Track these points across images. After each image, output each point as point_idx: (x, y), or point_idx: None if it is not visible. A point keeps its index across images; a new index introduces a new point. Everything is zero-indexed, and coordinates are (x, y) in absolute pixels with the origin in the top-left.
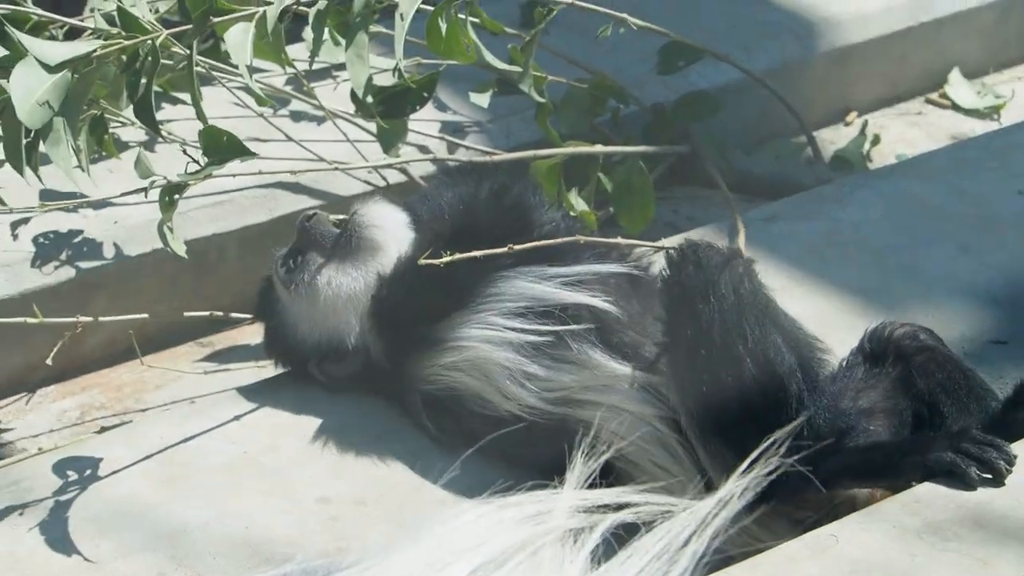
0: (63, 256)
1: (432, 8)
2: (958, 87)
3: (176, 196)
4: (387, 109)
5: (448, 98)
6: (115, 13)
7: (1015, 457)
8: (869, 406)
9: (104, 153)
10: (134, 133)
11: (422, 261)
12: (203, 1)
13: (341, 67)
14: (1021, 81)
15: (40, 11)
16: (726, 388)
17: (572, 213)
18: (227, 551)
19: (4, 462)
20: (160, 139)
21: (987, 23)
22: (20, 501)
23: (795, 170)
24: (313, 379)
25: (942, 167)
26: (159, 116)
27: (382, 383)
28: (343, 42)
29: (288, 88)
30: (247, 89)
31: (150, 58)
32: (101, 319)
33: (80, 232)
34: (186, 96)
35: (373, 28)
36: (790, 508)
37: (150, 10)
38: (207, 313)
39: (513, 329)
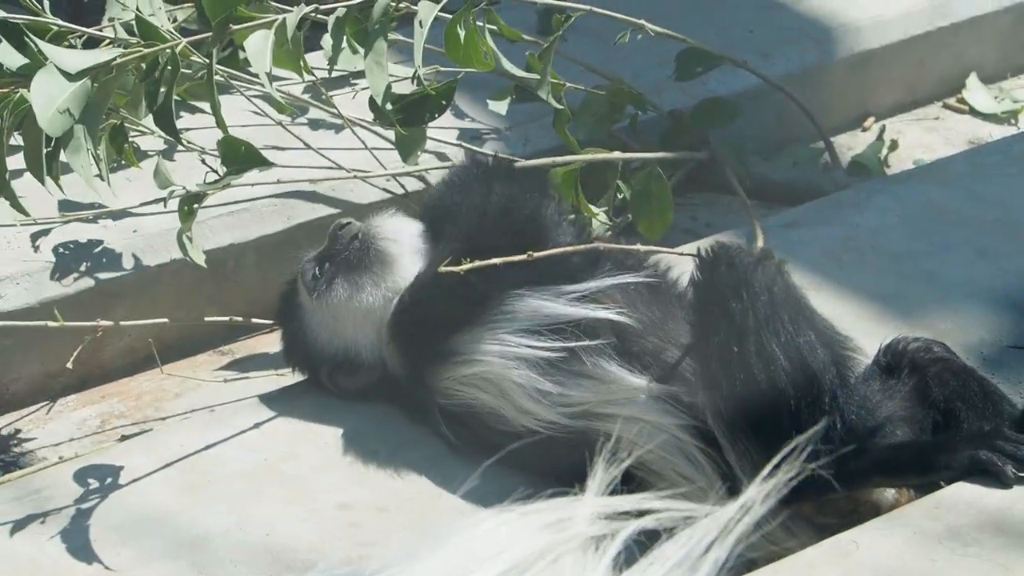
0: (83, 265)
1: (450, 15)
2: (976, 92)
3: (195, 205)
4: (406, 117)
5: (466, 105)
6: (134, 22)
7: None
8: (888, 415)
9: (124, 162)
10: (153, 142)
11: (442, 268)
12: (222, 9)
13: (359, 75)
14: None
15: (59, 21)
16: (760, 386)
17: (596, 222)
18: (248, 558)
19: (25, 471)
20: (180, 147)
21: (1004, 28)
22: (42, 509)
23: (813, 176)
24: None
25: (960, 172)
26: (178, 124)
27: (399, 395)
28: (361, 50)
29: (306, 96)
30: (266, 97)
31: (170, 67)
32: (121, 323)
33: (99, 241)
34: (205, 105)
35: (391, 36)
36: (814, 511)
37: (168, 19)
38: (227, 319)
39: (527, 346)
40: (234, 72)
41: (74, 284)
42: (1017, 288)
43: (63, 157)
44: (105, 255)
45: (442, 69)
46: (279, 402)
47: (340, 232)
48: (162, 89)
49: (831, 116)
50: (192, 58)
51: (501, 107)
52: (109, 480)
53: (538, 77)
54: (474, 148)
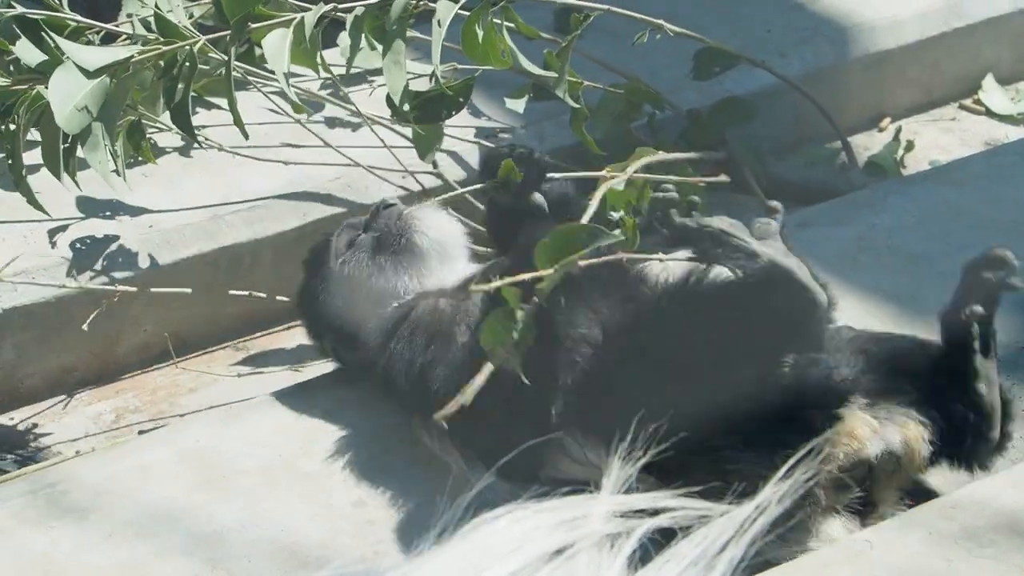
0: (99, 260)
1: (468, 13)
2: (992, 93)
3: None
4: (423, 114)
5: (481, 103)
6: (151, 19)
7: None
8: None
9: (141, 159)
10: (170, 139)
11: (473, 288)
12: (241, 8)
13: (375, 72)
14: None
15: (78, 17)
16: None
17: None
18: (263, 555)
19: (40, 465)
20: (196, 145)
21: (1021, 28)
22: (56, 504)
23: (829, 176)
24: (346, 381)
25: (976, 173)
26: (194, 121)
27: (394, 392)
28: (379, 47)
29: (323, 92)
30: (282, 94)
31: (187, 64)
32: (151, 290)
33: (116, 236)
34: (220, 101)
35: (408, 33)
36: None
37: (185, 15)
38: (247, 293)
39: None
40: (250, 68)
41: (90, 279)
42: None
43: (80, 153)
44: (121, 250)
45: (460, 67)
46: (295, 398)
47: (384, 210)
48: (180, 86)
49: (846, 116)
50: (209, 55)
51: (519, 105)
52: (124, 475)
53: (556, 75)
54: (489, 145)
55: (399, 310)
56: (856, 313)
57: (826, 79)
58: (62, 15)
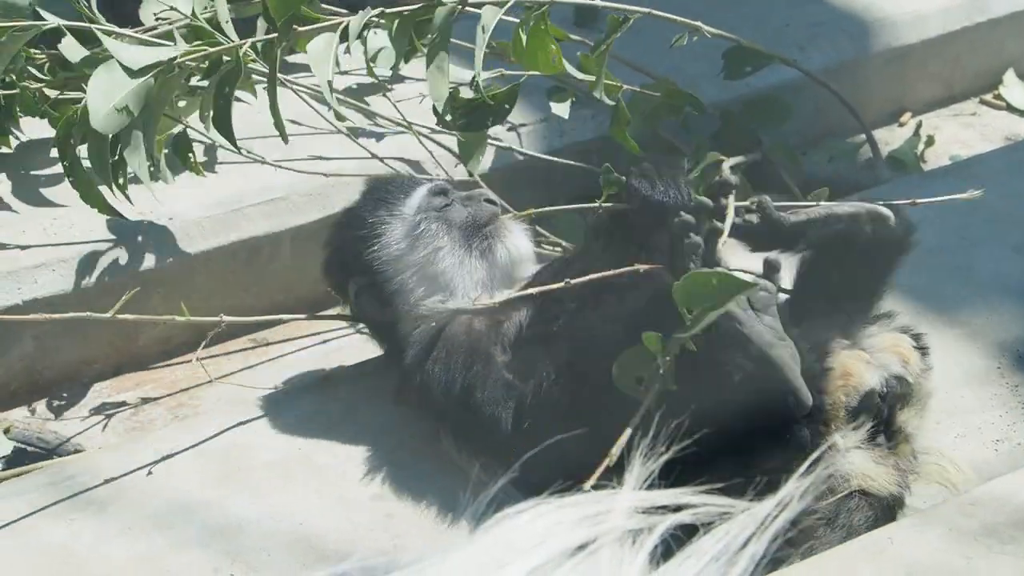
0: (118, 253)
1: (516, 20)
2: (1013, 88)
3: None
4: (468, 122)
5: None
6: (190, 19)
7: None
8: None
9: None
10: (193, 134)
11: (507, 296)
12: (287, 9)
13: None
14: None
15: (109, 25)
16: None
17: None
18: (281, 547)
19: (60, 457)
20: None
21: None
22: (76, 496)
23: (851, 170)
24: (366, 374)
25: (996, 168)
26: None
27: (430, 406)
28: (422, 50)
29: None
30: (320, 98)
31: (233, 68)
32: (227, 319)
33: (135, 228)
34: (247, 96)
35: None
36: None
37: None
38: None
39: None
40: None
41: (109, 271)
42: None
43: (125, 159)
44: (141, 242)
45: (506, 73)
46: (313, 392)
47: (483, 201)
48: (224, 91)
49: (867, 111)
50: (251, 58)
51: (564, 110)
52: (142, 467)
53: (594, 78)
54: (501, 145)
55: (435, 326)
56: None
57: (846, 74)
58: (101, 27)
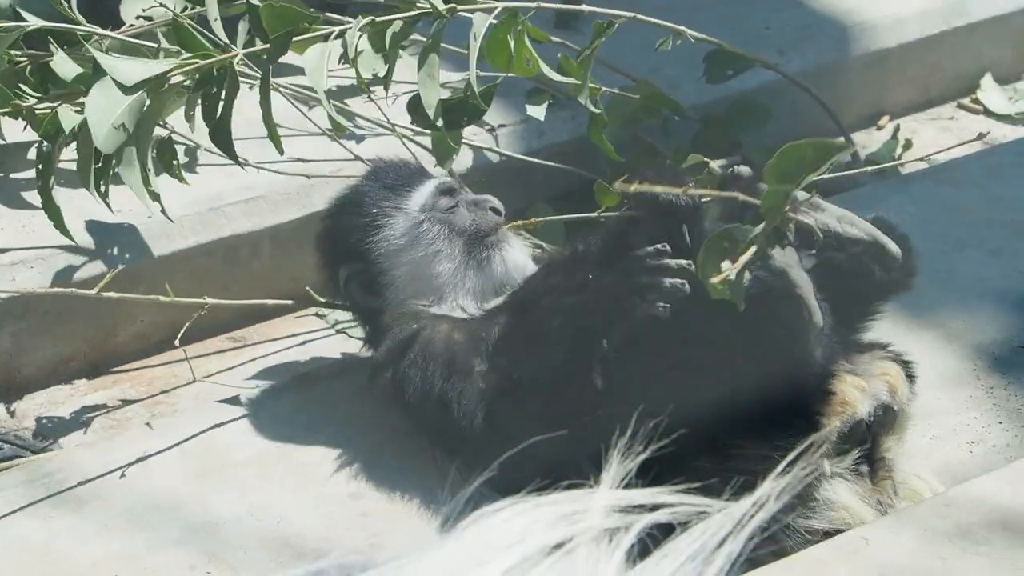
0: (97, 250)
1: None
2: (990, 92)
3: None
4: (444, 122)
5: None
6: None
7: None
8: None
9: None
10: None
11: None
12: (284, 23)
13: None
14: None
15: (88, 26)
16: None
17: None
18: (259, 545)
19: (37, 455)
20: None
21: (1020, 28)
22: (54, 494)
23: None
24: (344, 373)
25: (974, 172)
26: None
27: (406, 408)
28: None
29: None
30: (301, 98)
31: (228, 80)
32: (211, 301)
33: (114, 226)
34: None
35: (413, 36)
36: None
37: (182, 10)
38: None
39: None
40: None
41: (88, 268)
42: None
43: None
44: (120, 240)
45: (481, 74)
46: (292, 390)
47: (489, 209)
48: (220, 103)
49: (846, 114)
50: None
51: (540, 112)
52: (120, 465)
53: (577, 82)
54: (481, 146)
55: (416, 328)
56: None
57: (825, 77)
58: (83, 28)
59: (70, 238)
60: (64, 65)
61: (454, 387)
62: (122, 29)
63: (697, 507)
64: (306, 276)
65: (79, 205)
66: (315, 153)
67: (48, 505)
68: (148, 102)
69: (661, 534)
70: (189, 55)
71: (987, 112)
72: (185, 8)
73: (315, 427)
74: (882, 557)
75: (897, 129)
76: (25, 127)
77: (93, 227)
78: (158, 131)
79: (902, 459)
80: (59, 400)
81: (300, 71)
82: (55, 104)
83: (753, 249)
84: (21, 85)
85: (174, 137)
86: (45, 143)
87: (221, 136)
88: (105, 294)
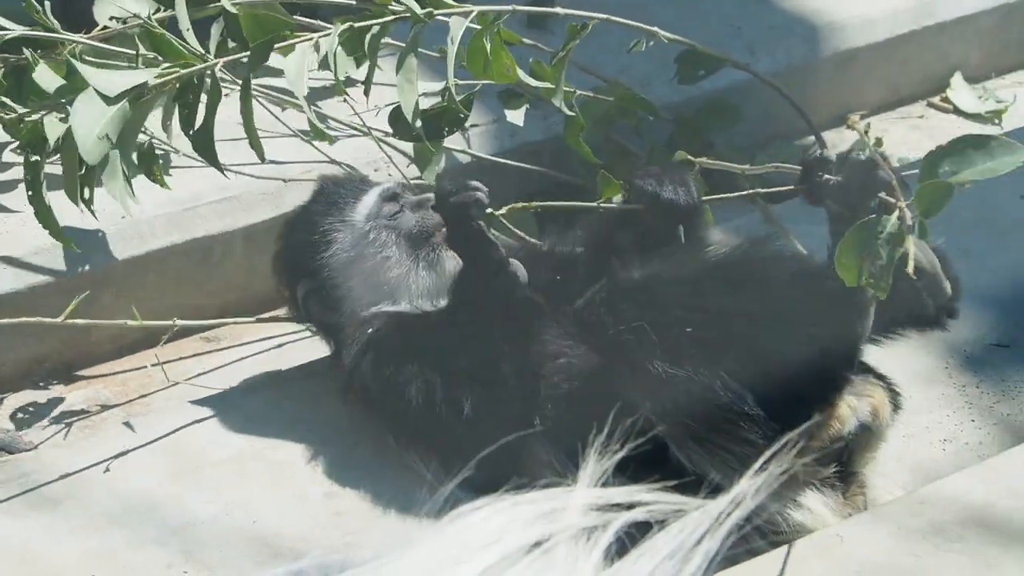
0: (71, 252)
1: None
2: (960, 91)
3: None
4: (425, 130)
5: None
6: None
7: None
8: None
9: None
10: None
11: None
12: (263, 32)
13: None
14: (1022, 86)
15: (64, 34)
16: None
17: None
18: (235, 545)
19: (13, 455)
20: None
21: (989, 27)
22: (30, 493)
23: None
24: (318, 373)
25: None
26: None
27: (370, 404)
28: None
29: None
30: (275, 101)
31: (211, 88)
32: (180, 323)
33: (87, 227)
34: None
35: (385, 40)
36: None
37: (151, 13)
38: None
39: None
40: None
41: (61, 270)
42: (1000, 286)
43: (100, 181)
44: (93, 241)
45: (460, 82)
46: (267, 389)
47: (431, 206)
48: (202, 112)
49: (816, 113)
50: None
51: (518, 116)
52: (96, 465)
53: (552, 86)
54: (453, 148)
55: (373, 331)
56: None
57: (795, 76)
58: (55, 36)
59: (66, 243)
60: (45, 76)
61: (411, 376)
62: (94, 32)
63: (675, 505)
64: None
65: (53, 206)
66: (288, 155)
67: (23, 504)
68: (130, 112)
69: (639, 532)
70: (169, 64)
71: (957, 111)
72: (157, 10)
73: (290, 426)
74: (857, 554)
75: (867, 128)
76: None
77: (67, 229)
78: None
79: (875, 476)
80: (34, 400)
81: (272, 73)
82: (39, 115)
83: (912, 240)
84: None
85: (149, 139)
86: (32, 154)
87: (204, 145)
88: (70, 321)
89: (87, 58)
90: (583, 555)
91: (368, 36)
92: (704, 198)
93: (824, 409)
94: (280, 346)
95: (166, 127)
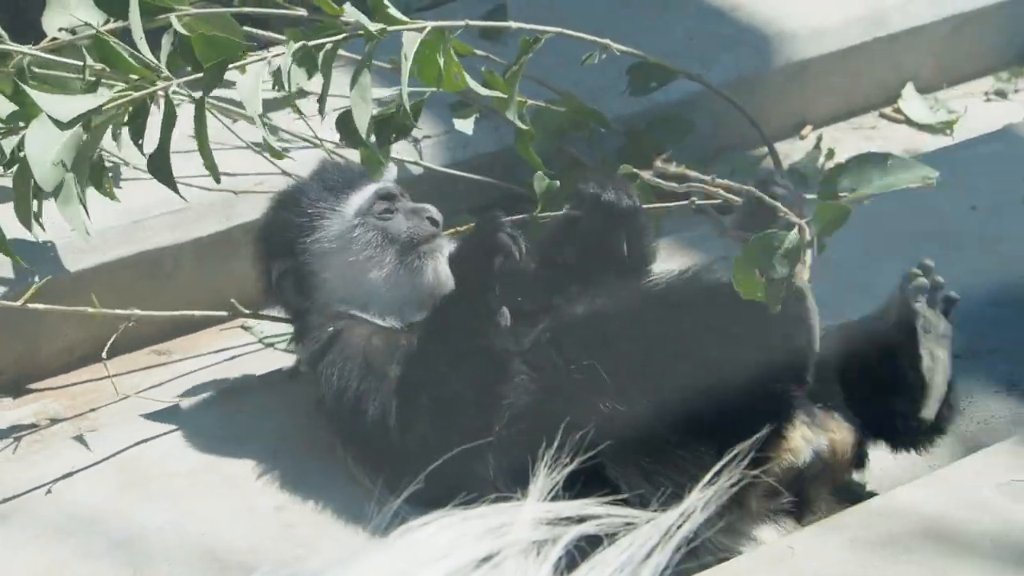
0: (17, 265)
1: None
2: (912, 102)
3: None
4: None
5: None
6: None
7: None
8: None
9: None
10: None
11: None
12: (217, 53)
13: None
14: (973, 97)
15: (11, 44)
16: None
17: None
18: (184, 558)
19: None
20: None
21: (941, 38)
22: None
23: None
24: (271, 386)
25: None
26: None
27: (325, 411)
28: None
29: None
30: (227, 113)
31: (167, 110)
32: (139, 313)
33: (35, 240)
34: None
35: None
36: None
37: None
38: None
39: None
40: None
41: (8, 282)
42: None
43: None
44: (42, 253)
45: (411, 89)
46: (219, 403)
47: (425, 217)
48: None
49: (768, 124)
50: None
51: (467, 126)
52: (46, 479)
53: (504, 96)
54: (405, 159)
55: (335, 330)
56: None
57: (747, 87)
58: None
59: (14, 258)
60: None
61: (368, 389)
62: (43, 43)
63: (624, 518)
64: (229, 288)
65: (2, 225)
66: (239, 166)
67: None
68: (84, 136)
69: (589, 546)
70: (122, 87)
71: (909, 121)
72: (107, 21)
73: (242, 440)
74: (808, 566)
75: (820, 139)
76: None
77: (14, 242)
78: None
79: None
80: None
81: (224, 84)
82: None
83: (811, 255)
84: None
85: (99, 152)
86: None
87: (160, 168)
88: (31, 305)
89: (36, 70)
90: (533, 569)
91: (322, 53)
92: (647, 205)
93: (778, 433)
94: (233, 359)
95: (116, 137)
